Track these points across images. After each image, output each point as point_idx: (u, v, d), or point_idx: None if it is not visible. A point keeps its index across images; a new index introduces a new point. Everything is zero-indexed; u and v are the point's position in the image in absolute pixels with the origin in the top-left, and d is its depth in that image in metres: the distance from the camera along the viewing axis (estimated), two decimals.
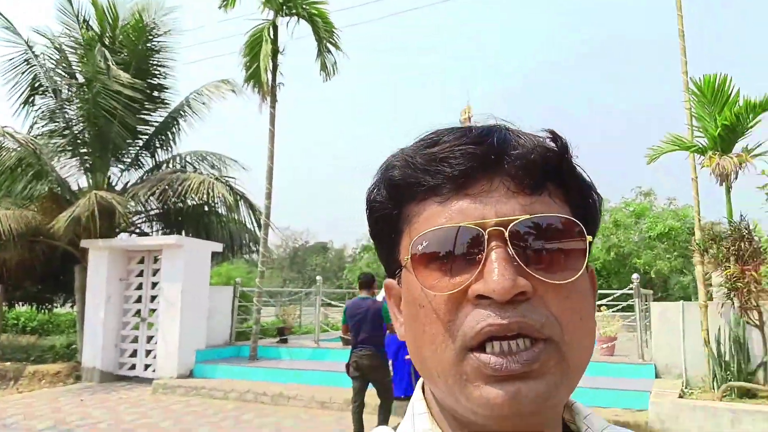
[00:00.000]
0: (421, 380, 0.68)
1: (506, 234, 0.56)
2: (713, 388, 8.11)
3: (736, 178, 7.99)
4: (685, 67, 9.04)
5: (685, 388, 8.59)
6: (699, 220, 8.90)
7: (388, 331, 7.31)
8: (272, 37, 12.70)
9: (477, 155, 0.59)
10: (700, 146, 8.64)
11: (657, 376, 9.41)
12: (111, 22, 15.13)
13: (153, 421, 8.68)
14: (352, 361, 7.08)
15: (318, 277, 14.39)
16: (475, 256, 0.56)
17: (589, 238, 0.60)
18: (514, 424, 0.55)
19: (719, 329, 8.34)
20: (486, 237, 0.56)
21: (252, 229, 15.27)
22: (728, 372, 8.07)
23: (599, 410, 7.84)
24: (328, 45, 12.87)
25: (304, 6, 12.90)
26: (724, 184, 8.22)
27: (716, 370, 8.19)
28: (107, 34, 15.13)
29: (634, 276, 10.49)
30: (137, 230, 15.70)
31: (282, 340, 13.94)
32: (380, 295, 7.68)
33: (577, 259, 0.58)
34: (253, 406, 9.76)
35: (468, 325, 0.55)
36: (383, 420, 7.07)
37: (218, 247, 12.92)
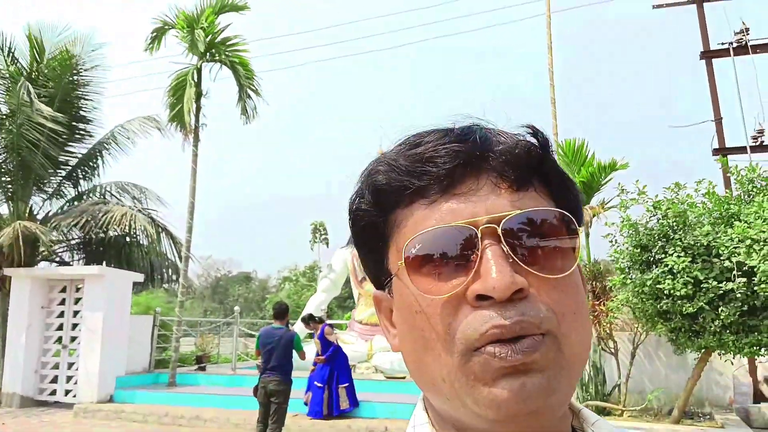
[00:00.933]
0: (422, 393, 0.66)
1: (499, 231, 0.55)
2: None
3: (591, 225, 9.56)
4: (556, 129, 10.67)
5: None
6: None
7: (308, 359, 8.21)
8: (196, 81, 13.64)
9: (462, 153, 0.59)
10: None
11: None
12: (38, 55, 15.62)
13: None
14: (261, 386, 7.88)
15: (236, 308, 15.22)
16: (469, 255, 0.56)
17: (579, 230, 0.61)
18: (519, 427, 0.55)
19: None
20: (479, 235, 0.55)
21: (173, 259, 15.94)
22: (587, 393, 9.53)
23: None
24: (249, 91, 13.93)
25: (226, 53, 13.95)
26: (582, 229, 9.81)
27: (578, 392, 9.64)
28: (34, 67, 15.60)
29: None
30: (58, 259, 16.05)
31: (200, 368, 14.66)
32: (297, 326, 8.65)
33: (569, 254, 0.58)
34: (170, 429, 10.49)
35: (471, 328, 0.54)
36: (275, 425, 7.81)
37: (139, 277, 13.59)
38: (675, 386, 9.47)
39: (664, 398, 9.21)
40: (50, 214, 15.92)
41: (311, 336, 11.10)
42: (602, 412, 9.18)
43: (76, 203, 16.23)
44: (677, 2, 13.61)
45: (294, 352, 8.10)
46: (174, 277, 16.14)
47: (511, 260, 0.55)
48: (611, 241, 8.33)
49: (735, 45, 12.94)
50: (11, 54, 15.40)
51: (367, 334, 15.13)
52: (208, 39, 13.34)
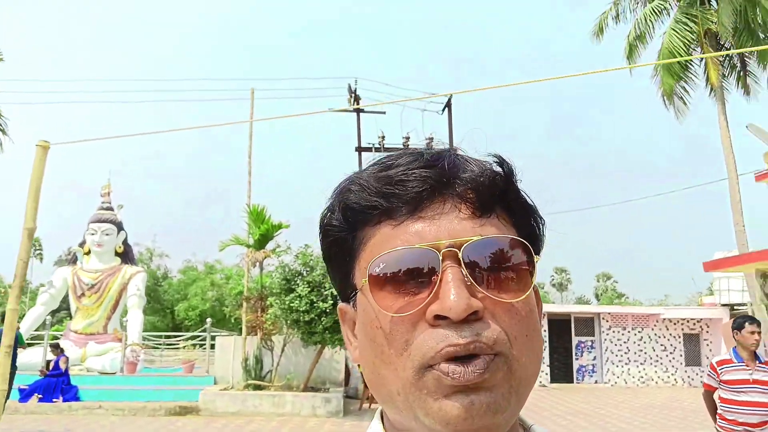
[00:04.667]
0: (380, 407, 0.69)
1: (460, 255, 0.58)
2: (243, 386, 14.08)
3: (262, 263, 14.36)
4: (249, 195, 15.36)
5: (229, 386, 14.41)
6: (246, 287, 15.09)
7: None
8: None
9: (430, 178, 0.61)
10: (249, 244, 14.90)
11: (216, 382, 15.13)
12: None
13: None
14: None
15: None
16: (429, 276, 0.58)
17: (536, 257, 0.63)
18: None
19: (250, 352, 14.42)
20: (440, 258, 0.58)
21: None
22: (250, 376, 14.11)
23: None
24: None
25: None
26: (257, 266, 14.57)
27: (245, 376, 14.18)
28: None
29: (208, 320, 16.32)
30: None
31: None
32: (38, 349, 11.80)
33: (526, 279, 0.61)
34: None
35: (428, 345, 0.57)
36: None
37: None
38: (305, 370, 14.54)
39: (299, 378, 14.21)
40: None
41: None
42: (258, 387, 13.84)
43: None
44: (345, 110, 19.53)
45: (18, 346, 11.43)
46: None
47: (468, 283, 0.57)
48: (270, 275, 13.16)
49: (377, 145, 19.23)
50: None
51: (82, 341, 17.86)
52: None
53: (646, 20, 18.35)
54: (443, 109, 19.43)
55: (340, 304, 0.71)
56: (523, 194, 0.67)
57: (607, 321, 23.10)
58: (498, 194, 0.64)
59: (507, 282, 0.60)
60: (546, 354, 22.05)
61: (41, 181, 4.11)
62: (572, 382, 22.51)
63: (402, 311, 0.59)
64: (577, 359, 22.95)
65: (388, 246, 0.61)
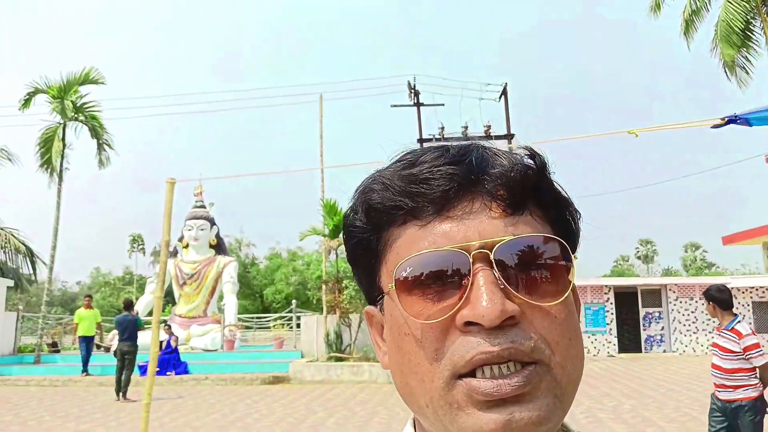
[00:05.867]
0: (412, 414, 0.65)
1: (492, 256, 0.54)
2: (326, 358, 16.04)
3: (337, 250, 16.20)
4: (323, 190, 17.23)
5: (314, 359, 16.41)
6: (325, 272, 17.01)
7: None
8: (62, 135, 18.03)
9: (457, 175, 0.57)
10: (324, 233, 16.77)
11: (302, 356, 17.20)
12: None
13: None
14: (118, 349, 13.21)
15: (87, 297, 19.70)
16: (460, 280, 0.54)
17: (574, 256, 0.59)
18: None
19: (331, 328, 16.36)
20: (471, 260, 0.54)
21: (28, 272, 19.84)
22: (332, 349, 16.03)
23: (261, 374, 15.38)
24: (104, 145, 18.67)
25: (85, 113, 18.51)
26: (333, 252, 16.44)
27: (327, 349, 16.13)
28: None
29: (293, 302, 18.42)
30: None
31: (54, 351, 18.89)
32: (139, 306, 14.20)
33: (563, 279, 0.57)
34: (50, 389, 15.08)
35: (458, 354, 0.53)
36: (126, 380, 13.08)
37: (9, 282, 17.59)
38: None
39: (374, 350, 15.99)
40: None
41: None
42: (339, 359, 15.75)
43: None
44: (406, 105, 21.01)
45: (138, 328, 13.67)
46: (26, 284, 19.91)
47: (502, 286, 0.53)
48: (345, 260, 14.92)
49: (438, 135, 20.64)
50: None
51: (186, 324, 20.41)
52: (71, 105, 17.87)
53: None
54: (500, 97, 20.55)
55: (368, 308, 0.67)
56: (557, 187, 0.63)
57: (674, 292, 23.65)
58: (530, 189, 0.59)
59: (544, 284, 0.56)
60: (614, 325, 22.97)
61: (171, 207, 5.87)
62: (640, 352, 23.27)
63: (431, 318, 0.55)
64: (644, 330, 23.65)
65: (415, 248, 0.57)
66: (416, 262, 0.56)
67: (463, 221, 0.57)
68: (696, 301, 23.38)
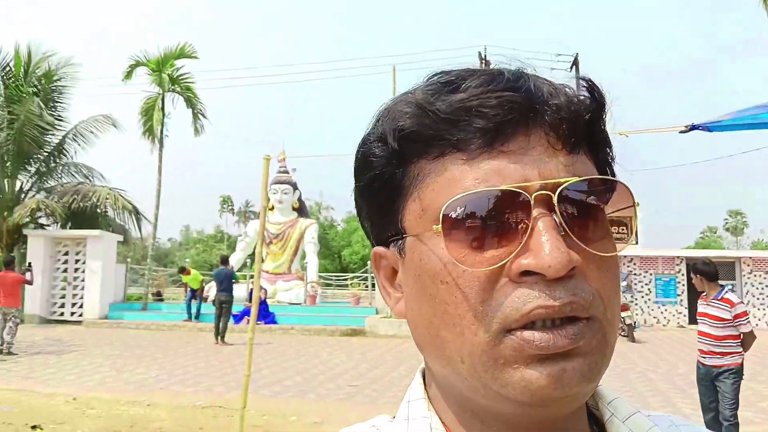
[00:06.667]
0: (421, 366, 0.61)
1: (554, 199, 0.48)
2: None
3: None
4: None
5: (387, 315, 17.71)
6: None
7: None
8: (161, 105, 19.83)
9: (517, 105, 0.50)
10: None
11: (377, 312, 18.56)
12: (26, 67, 20.75)
13: (96, 339, 15.77)
14: (216, 299, 14.96)
15: (187, 260, 21.78)
16: (517, 225, 0.48)
17: (635, 202, 0.53)
18: (549, 412, 0.49)
19: None
20: (532, 202, 0.48)
21: (134, 228, 22.05)
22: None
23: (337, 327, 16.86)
24: (199, 114, 20.39)
25: (180, 84, 20.21)
26: None
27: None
28: (21, 77, 20.75)
29: (369, 262, 19.64)
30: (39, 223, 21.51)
31: (159, 299, 21.15)
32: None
33: (624, 228, 0.53)
34: (157, 333, 17.11)
35: (512, 306, 0.47)
36: (224, 326, 14.80)
37: (120, 237, 19.76)
38: None
39: None
40: (25, 188, 21.30)
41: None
42: None
43: (48, 181, 21.68)
44: None
45: (233, 281, 15.35)
46: (132, 240, 22.15)
47: (563, 233, 0.48)
48: None
49: None
50: (8, 67, 20.49)
51: (272, 280, 22.18)
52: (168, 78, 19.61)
53: None
54: (570, 67, 20.72)
55: (377, 248, 0.59)
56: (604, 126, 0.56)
57: (749, 265, 23.48)
58: (591, 126, 0.53)
59: (603, 232, 0.50)
60: (684, 297, 23.04)
61: (267, 180, 6.96)
62: None
63: (481, 265, 0.48)
64: None
65: (459, 186, 0.49)
66: (467, 202, 0.48)
67: (520, 158, 0.50)
68: None
